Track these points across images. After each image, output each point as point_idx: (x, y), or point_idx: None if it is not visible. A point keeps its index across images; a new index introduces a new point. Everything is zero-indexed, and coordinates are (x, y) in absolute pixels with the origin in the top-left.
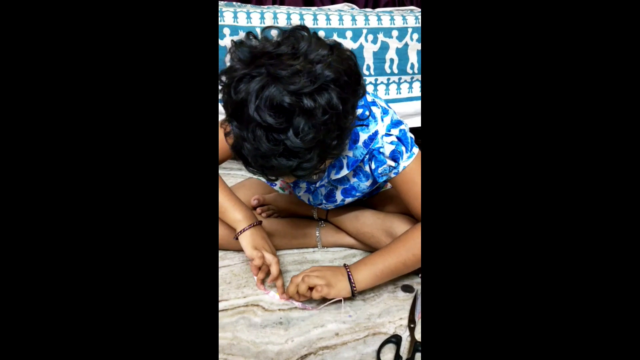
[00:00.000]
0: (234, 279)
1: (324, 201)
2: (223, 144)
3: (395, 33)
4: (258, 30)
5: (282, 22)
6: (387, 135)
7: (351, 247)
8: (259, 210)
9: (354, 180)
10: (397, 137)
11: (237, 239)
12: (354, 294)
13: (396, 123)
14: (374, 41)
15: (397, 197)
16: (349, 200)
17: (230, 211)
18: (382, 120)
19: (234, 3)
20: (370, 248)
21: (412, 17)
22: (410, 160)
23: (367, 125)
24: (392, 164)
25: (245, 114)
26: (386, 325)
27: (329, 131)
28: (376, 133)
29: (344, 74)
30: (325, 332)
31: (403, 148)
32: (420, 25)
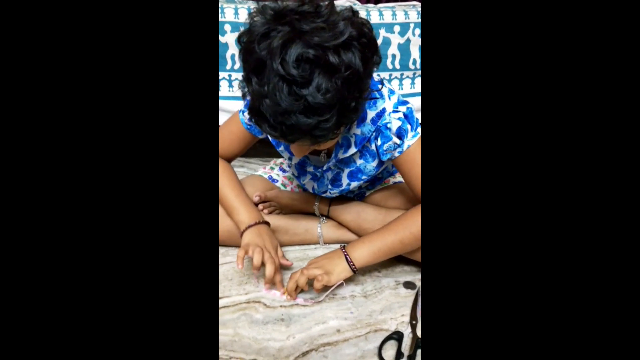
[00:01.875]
0: (236, 275)
1: (329, 186)
2: (238, 133)
3: (397, 28)
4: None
5: None
6: (395, 111)
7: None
8: (260, 206)
9: (360, 162)
10: (404, 114)
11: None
12: (355, 272)
13: (403, 102)
14: (376, 36)
15: (398, 193)
16: (354, 184)
17: (236, 212)
18: (390, 98)
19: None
20: None
21: (414, 12)
22: (415, 140)
23: (375, 103)
24: (397, 141)
25: (267, 69)
26: (388, 322)
27: (349, 90)
28: (383, 110)
29: (364, 36)
30: (326, 328)
31: (409, 126)
32: (421, 20)
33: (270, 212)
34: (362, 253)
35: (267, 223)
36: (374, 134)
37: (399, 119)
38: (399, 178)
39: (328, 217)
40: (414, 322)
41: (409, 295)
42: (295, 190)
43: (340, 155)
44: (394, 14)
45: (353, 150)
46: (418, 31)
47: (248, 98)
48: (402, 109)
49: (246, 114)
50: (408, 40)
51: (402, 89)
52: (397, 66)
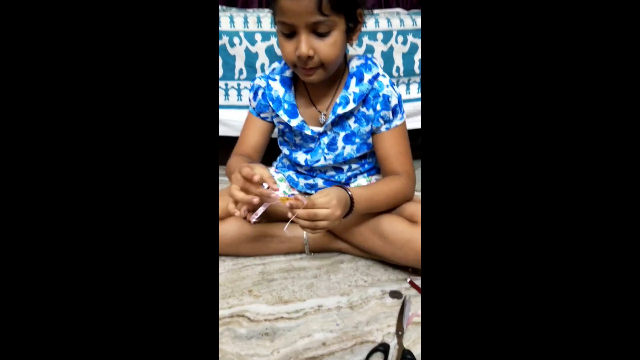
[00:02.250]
0: (220, 288)
1: (325, 151)
2: (252, 125)
3: (380, 36)
4: (242, 35)
5: (267, 26)
6: (392, 86)
7: (339, 250)
8: (248, 215)
9: (354, 126)
10: (398, 98)
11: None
12: (351, 210)
13: (393, 84)
14: (359, 44)
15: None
16: (349, 149)
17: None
18: (384, 75)
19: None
20: (358, 250)
21: (397, 19)
22: (401, 122)
23: (370, 69)
24: (390, 116)
25: None
26: (374, 334)
27: None
28: (377, 75)
29: None
30: (312, 342)
31: (399, 108)
32: (404, 28)
33: (255, 222)
34: (361, 192)
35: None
36: (372, 100)
37: (398, 96)
38: None
39: None
40: (400, 332)
41: (395, 305)
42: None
43: (340, 111)
44: (376, 22)
45: (352, 105)
46: (401, 39)
47: (255, 83)
48: (397, 91)
49: (253, 103)
50: (391, 48)
51: None
52: None
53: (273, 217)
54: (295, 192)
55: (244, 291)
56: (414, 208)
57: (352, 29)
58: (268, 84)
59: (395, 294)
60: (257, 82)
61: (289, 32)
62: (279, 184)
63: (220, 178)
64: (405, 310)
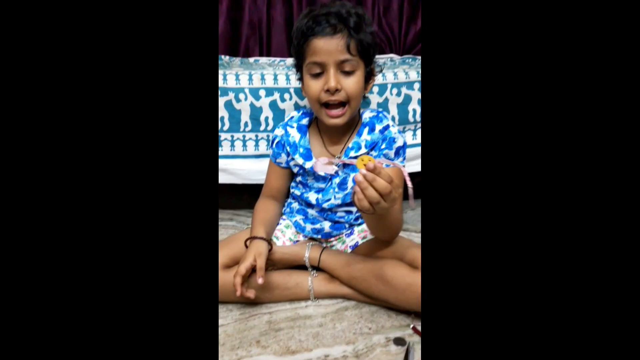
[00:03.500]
0: (228, 339)
1: (335, 190)
2: (273, 171)
3: (375, 89)
4: (247, 91)
5: (270, 83)
6: (400, 133)
7: (344, 296)
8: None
9: (387, 162)
10: (404, 142)
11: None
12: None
13: (402, 132)
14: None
15: (385, 243)
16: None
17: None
18: (393, 125)
19: (221, 59)
20: (363, 296)
21: (391, 73)
22: (400, 165)
23: (381, 120)
24: (392, 156)
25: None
26: None
27: (367, 27)
28: (387, 126)
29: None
30: None
31: (402, 152)
32: (397, 81)
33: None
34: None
35: (263, 238)
36: (382, 142)
37: (404, 142)
38: None
39: (318, 269)
40: None
41: (399, 352)
42: (287, 243)
43: (352, 154)
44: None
45: (363, 150)
46: (395, 91)
47: (274, 134)
48: (404, 137)
49: (270, 151)
50: (387, 99)
51: None
52: None
53: (278, 265)
54: (301, 239)
55: (252, 342)
56: (415, 253)
57: (368, 78)
58: (286, 131)
59: (399, 341)
60: (276, 131)
61: (318, 72)
62: (285, 231)
63: (224, 223)
64: (409, 357)
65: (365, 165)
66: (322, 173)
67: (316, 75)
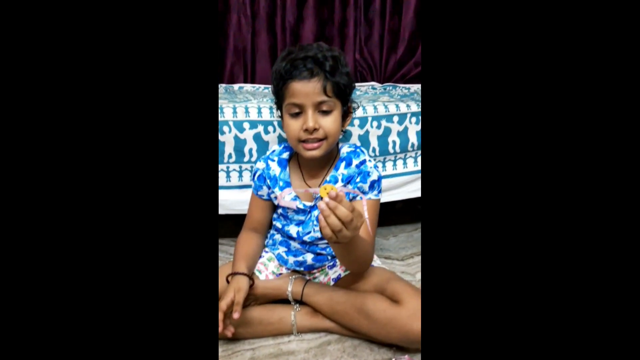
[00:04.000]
0: None
1: (314, 224)
2: (256, 204)
3: (357, 122)
4: (231, 124)
5: (254, 116)
6: (376, 168)
7: (327, 330)
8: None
9: (348, 190)
10: (379, 176)
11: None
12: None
13: (377, 167)
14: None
15: (369, 275)
16: None
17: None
18: (369, 160)
19: None
20: (345, 330)
21: (371, 107)
22: (375, 199)
23: (358, 156)
24: (366, 189)
25: (294, 53)
26: None
27: (343, 67)
28: (364, 161)
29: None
30: None
31: (376, 186)
32: (378, 114)
33: (245, 305)
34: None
35: (245, 274)
36: (357, 176)
37: (378, 176)
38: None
39: (301, 302)
40: None
41: None
42: (270, 276)
43: None
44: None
45: (340, 184)
46: (375, 123)
47: (256, 167)
48: (379, 172)
49: (252, 184)
50: (367, 132)
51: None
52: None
53: (261, 300)
54: (284, 271)
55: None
56: (396, 287)
57: (345, 116)
58: (267, 164)
59: None
60: (258, 164)
61: (297, 112)
62: (267, 264)
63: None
64: None
65: (328, 193)
66: (285, 205)
67: (295, 115)
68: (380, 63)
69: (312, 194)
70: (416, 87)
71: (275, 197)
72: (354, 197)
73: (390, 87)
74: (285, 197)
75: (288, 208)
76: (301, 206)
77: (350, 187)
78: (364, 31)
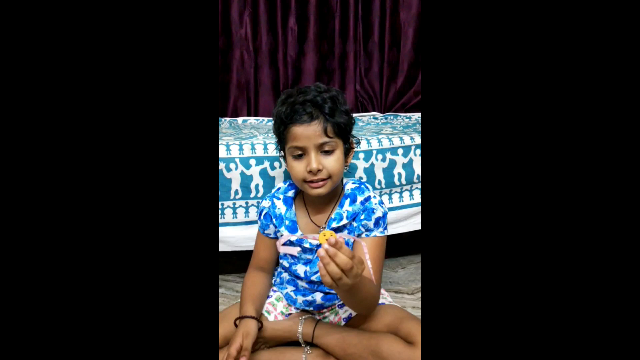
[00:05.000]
0: None
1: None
2: (262, 242)
3: (362, 155)
4: (237, 160)
5: (260, 152)
6: (381, 204)
7: None
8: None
9: (347, 237)
10: (384, 213)
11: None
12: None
13: (382, 203)
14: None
15: (381, 315)
16: None
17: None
18: (375, 196)
19: None
20: None
21: (375, 140)
22: (381, 236)
23: (363, 192)
24: (371, 226)
25: (294, 97)
26: None
27: (342, 104)
28: (369, 197)
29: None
30: None
31: (382, 222)
32: (382, 147)
33: (254, 350)
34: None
35: (253, 317)
36: (362, 213)
37: (383, 213)
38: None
39: (312, 345)
40: None
41: None
42: (279, 317)
43: (334, 225)
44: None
45: (345, 221)
46: (380, 156)
47: (262, 205)
48: (384, 208)
49: (259, 222)
50: (372, 165)
51: None
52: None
53: (270, 342)
54: (293, 311)
55: None
56: (410, 327)
57: (347, 152)
58: (273, 203)
59: None
60: (263, 203)
61: (300, 154)
62: (276, 304)
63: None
64: None
65: (327, 240)
66: (286, 252)
67: (298, 157)
68: (380, 93)
69: (312, 239)
70: (417, 116)
71: (282, 236)
72: (359, 235)
73: (392, 117)
74: (281, 249)
75: (289, 255)
76: (307, 245)
77: (348, 234)
78: (364, 63)
